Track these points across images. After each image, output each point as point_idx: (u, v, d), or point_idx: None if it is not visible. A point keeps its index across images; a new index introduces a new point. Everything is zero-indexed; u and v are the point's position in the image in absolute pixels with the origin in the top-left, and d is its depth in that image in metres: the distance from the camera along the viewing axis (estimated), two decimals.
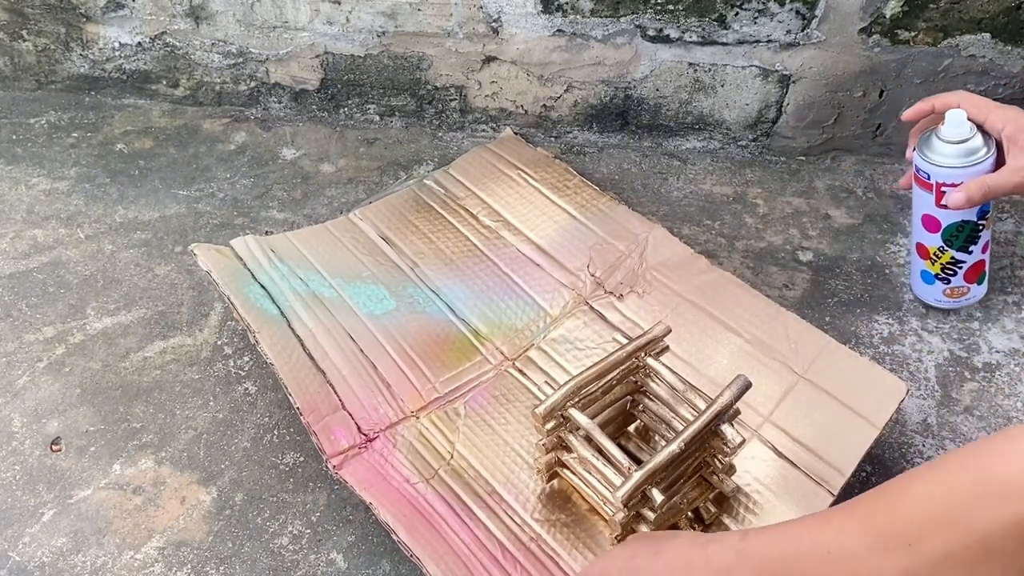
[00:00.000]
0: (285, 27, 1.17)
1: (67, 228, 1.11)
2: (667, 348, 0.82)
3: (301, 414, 0.84)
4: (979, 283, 0.98)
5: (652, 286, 0.97)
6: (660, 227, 1.02)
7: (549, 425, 0.77)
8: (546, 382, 0.85)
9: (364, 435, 0.85)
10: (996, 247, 1.07)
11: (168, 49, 1.21)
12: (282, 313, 0.93)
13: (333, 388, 0.87)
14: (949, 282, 0.96)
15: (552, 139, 1.21)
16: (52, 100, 1.27)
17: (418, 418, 0.87)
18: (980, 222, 0.92)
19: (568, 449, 0.79)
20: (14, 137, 1.22)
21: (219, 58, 1.21)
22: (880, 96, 1.11)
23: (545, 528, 0.79)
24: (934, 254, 0.95)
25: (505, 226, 1.04)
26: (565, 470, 0.81)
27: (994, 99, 1.09)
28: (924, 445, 0.91)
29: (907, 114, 0.92)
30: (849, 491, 0.80)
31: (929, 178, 0.90)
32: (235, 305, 0.91)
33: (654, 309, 0.95)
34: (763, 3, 1.05)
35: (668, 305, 0.95)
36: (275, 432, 0.92)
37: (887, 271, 1.05)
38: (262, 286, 0.95)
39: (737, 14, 1.06)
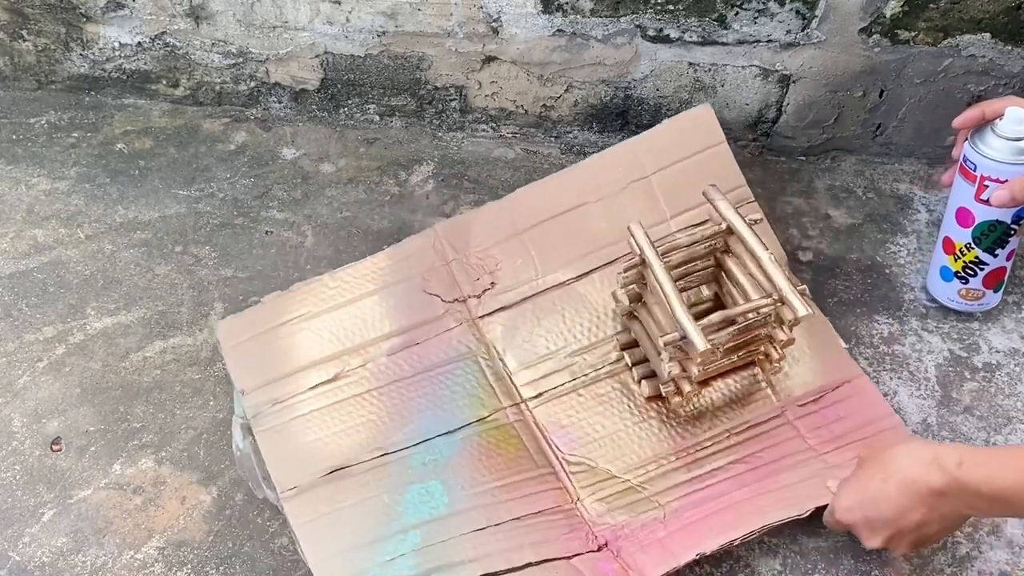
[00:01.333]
0: (285, 27, 1.17)
1: (67, 228, 1.11)
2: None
3: None
4: (995, 291, 0.97)
5: (496, 256, 0.97)
6: (439, 221, 1.01)
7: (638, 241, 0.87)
8: (553, 384, 0.92)
9: (598, 548, 0.82)
10: None
11: (168, 49, 1.21)
12: None
13: (547, 561, 0.81)
14: (967, 282, 0.96)
15: (552, 139, 1.21)
16: (52, 100, 1.27)
17: (581, 500, 0.86)
18: (1013, 225, 0.92)
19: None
20: (14, 137, 1.22)
21: (219, 58, 1.21)
22: (880, 96, 1.11)
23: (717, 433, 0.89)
24: (960, 250, 0.95)
25: (342, 361, 0.91)
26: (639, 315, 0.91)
27: (999, 96, 1.09)
28: None
29: (957, 121, 0.92)
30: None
31: (975, 169, 0.89)
32: None
33: (523, 264, 0.97)
34: (763, 3, 1.05)
35: (527, 250, 0.97)
36: None
37: (887, 271, 1.05)
38: None
39: (737, 14, 1.06)
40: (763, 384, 0.92)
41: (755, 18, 1.06)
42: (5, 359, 0.98)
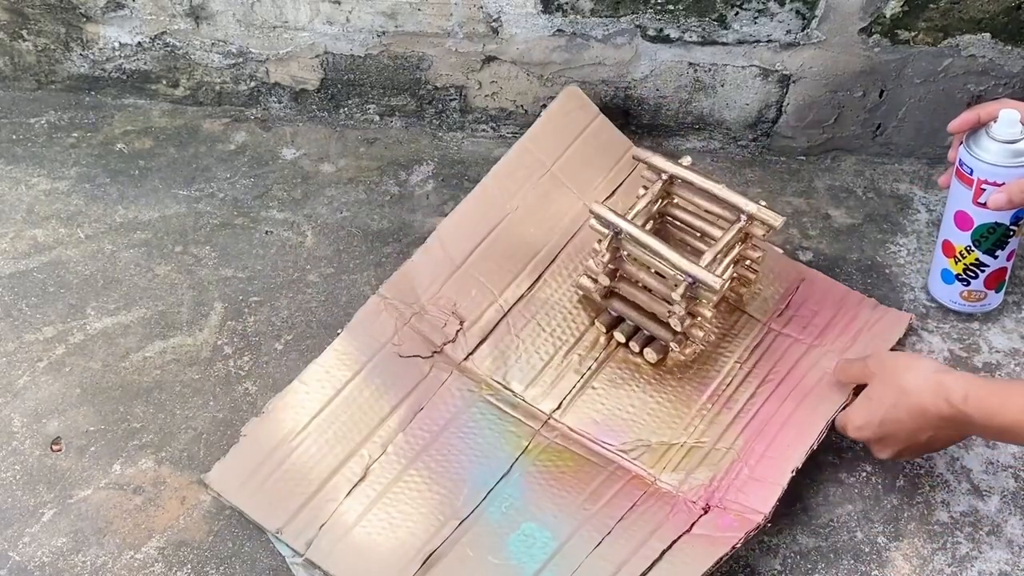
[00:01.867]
0: (285, 27, 1.17)
1: (67, 228, 1.11)
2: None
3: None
4: (997, 291, 0.97)
5: (449, 296, 0.96)
6: (382, 284, 0.95)
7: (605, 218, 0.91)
8: (566, 389, 0.93)
9: (704, 511, 0.84)
10: None
11: (168, 49, 1.21)
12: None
13: (675, 541, 0.82)
14: (969, 284, 0.96)
15: None
16: (52, 100, 1.27)
17: (658, 479, 0.87)
18: (1012, 227, 0.92)
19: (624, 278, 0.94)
20: (14, 137, 1.22)
21: (219, 58, 1.21)
22: (880, 96, 1.11)
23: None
24: (960, 253, 0.95)
25: (361, 456, 0.87)
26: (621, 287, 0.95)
27: (993, 99, 1.09)
28: None
29: (953, 125, 0.92)
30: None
31: (972, 173, 0.90)
32: None
33: (478, 294, 0.97)
34: (763, 3, 1.05)
35: (474, 279, 0.97)
36: None
37: (887, 271, 1.05)
38: None
39: (737, 14, 1.06)
40: (738, 313, 0.98)
41: (755, 18, 1.06)
42: (5, 359, 0.98)
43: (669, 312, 0.91)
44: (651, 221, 0.96)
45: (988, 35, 1.04)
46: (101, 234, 1.10)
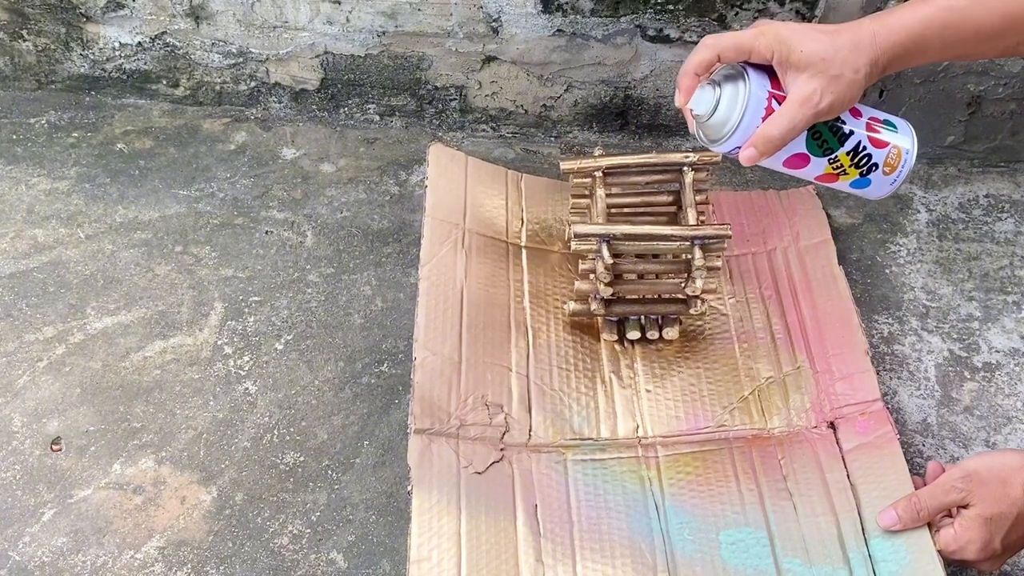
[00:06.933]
0: (285, 27, 1.17)
1: (67, 228, 1.11)
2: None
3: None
4: (895, 132, 0.84)
5: (467, 403, 0.91)
6: (413, 437, 0.86)
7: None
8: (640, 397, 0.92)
9: (830, 427, 0.88)
10: (996, 247, 1.07)
11: (168, 49, 1.21)
12: None
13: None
14: (877, 166, 0.84)
15: (552, 139, 1.21)
16: (52, 100, 1.27)
17: (771, 429, 0.89)
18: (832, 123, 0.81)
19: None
20: (14, 137, 1.22)
21: (219, 58, 1.21)
22: (880, 96, 1.11)
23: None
24: (836, 168, 0.83)
25: (535, 569, 0.82)
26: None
27: (994, 99, 1.09)
28: (924, 445, 0.91)
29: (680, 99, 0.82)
30: None
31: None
32: None
33: (494, 376, 0.92)
34: (763, 3, 1.05)
35: (482, 360, 0.93)
36: (275, 432, 0.92)
37: (887, 271, 1.05)
38: None
39: (737, 14, 1.06)
40: (719, 334, 0.98)
41: (755, 18, 1.06)
42: (5, 359, 0.98)
43: (685, 281, 0.91)
44: (611, 216, 0.97)
45: None
46: (101, 234, 1.11)
